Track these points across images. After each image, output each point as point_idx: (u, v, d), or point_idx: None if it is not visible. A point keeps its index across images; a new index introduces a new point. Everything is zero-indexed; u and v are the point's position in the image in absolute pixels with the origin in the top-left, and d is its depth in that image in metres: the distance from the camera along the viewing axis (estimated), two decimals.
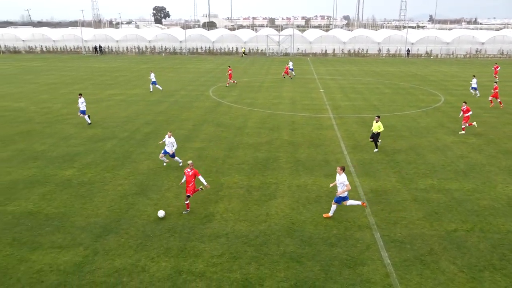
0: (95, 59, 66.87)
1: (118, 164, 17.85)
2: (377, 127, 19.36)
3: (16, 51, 78.86)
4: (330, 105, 30.81)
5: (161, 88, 36.58)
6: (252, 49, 77.08)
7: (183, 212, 13.42)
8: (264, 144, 20.75)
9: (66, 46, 78.91)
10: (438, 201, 14.43)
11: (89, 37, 78.91)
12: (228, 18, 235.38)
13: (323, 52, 75.83)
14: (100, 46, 76.12)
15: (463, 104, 23.24)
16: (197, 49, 77.41)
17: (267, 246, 11.55)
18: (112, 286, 9.85)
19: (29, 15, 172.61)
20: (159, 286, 9.86)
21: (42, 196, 14.67)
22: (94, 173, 16.88)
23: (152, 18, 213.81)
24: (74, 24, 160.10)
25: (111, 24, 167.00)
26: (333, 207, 13.16)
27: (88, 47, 78.29)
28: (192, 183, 13.39)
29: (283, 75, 45.11)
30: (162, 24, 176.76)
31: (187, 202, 13.51)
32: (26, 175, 16.65)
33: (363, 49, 75.26)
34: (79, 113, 24.84)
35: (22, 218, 13.03)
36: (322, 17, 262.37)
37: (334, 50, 75.75)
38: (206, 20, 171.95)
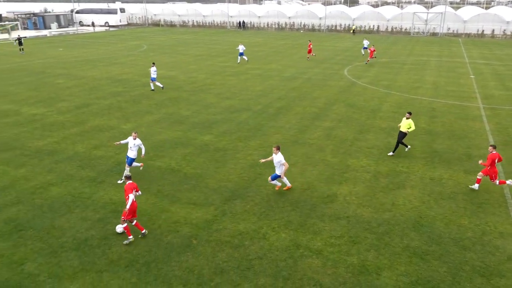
0: (238, 34, 70.59)
1: (250, 135, 18.85)
2: (406, 125, 15.93)
3: (172, 25, 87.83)
4: (480, 93, 27.37)
5: (246, 59, 38.46)
6: (395, 28, 72.24)
7: (124, 242, 10.56)
8: (397, 130, 19.58)
9: (213, 21, 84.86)
10: None
11: (234, 12, 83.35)
12: None
13: (479, 32, 67.07)
14: (243, 22, 79.95)
15: None
16: (336, 26, 75.73)
17: (389, 236, 11.06)
18: (235, 247, 10.63)
19: None
20: (277, 255, 10.29)
21: (183, 156, 16.39)
22: (228, 141, 18.15)
23: None
24: (222, 0, 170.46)
25: (255, 0, 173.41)
26: (276, 182, 13.47)
27: (233, 22, 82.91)
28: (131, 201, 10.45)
29: (368, 60, 38.94)
30: (303, 1, 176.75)
31: (124, 225, 10.67)
32: (172, 136, 18.76)
33: None
34: (150, 80, 27.28)
35: (166, 174, 14.80)
36: None
37: (493, 30, 66.39)
38: None
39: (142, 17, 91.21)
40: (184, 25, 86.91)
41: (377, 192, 13.47)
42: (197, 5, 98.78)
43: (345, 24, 75.28)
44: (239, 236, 11.09)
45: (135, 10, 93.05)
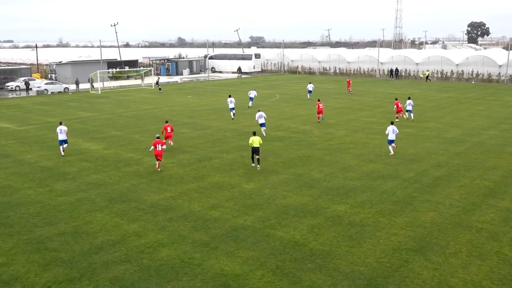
0: (388, 84, 70.19)
1: (396, 209, 17.97)
2: (257, 141, 23.24)
3: (311, 72, 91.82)
4: None
5: (250, 105, 44.69)
6: None
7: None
8: None
9: (360, 68, 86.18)
10: None
11: (386, 58, 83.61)
12: None
13: None
14: (396, 69, 79.48)
15: None
16: None
17: None
18: None
19: (329, 35, 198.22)
20: None
21: (310, 228, 16.31)
22: (367, 214, 17.56)
23: (465, 37, 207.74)
24: (372, 44, 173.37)
25: (413, 44, 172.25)
26: None
27: (383, 70, 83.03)
28: None
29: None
30: (477, 44, 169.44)
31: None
32: (299, 202, 18.94)
33: None
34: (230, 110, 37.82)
35: (288, 247, 14.83)
36: None
37: None
38: None
39: (278, 63, 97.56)
40: (324, 72, 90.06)
41: None
42: (341, 50, 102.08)
43: None
44: None
45: (271, 56, 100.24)
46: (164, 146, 23.75)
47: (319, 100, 37.93)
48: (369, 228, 16.29)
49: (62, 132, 26.95)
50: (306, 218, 17.24)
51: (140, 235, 15.85)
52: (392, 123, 26.70)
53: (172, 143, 28.54)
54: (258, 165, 23.64)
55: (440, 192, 20.07)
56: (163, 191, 20.55)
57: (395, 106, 37.52)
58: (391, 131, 26.17)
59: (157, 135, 24.01)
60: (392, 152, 26.48)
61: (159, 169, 23.36)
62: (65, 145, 27.30)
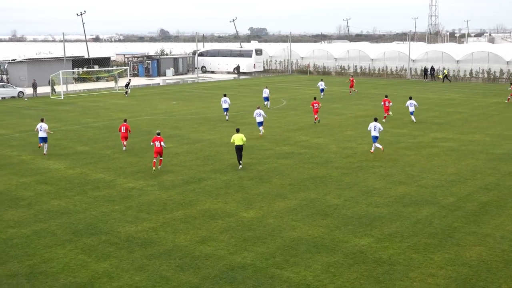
0: (421, 87, 70.43)
1: (433, 244, 17.90)
2: (239, 139, 27.44)
3: (325, 72, 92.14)
4: None
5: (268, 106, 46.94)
6: None
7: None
8: None
9: (386, 67, 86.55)
10: None
11: (419, 55, 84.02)
12: None
13: None
14: (432, 69, 79.75)
15: None
16: None
17: None
18: None
19: (347, 26, 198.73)
20: None
21: (326, 267, 16.21)
22: (397, 249, 17.47)
23: None
24: (401, 37, 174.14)
25: (452, 36, 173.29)
26: None
27: (416, 69, 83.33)
28: None
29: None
30: None
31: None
32: (311, 234, 18.87)
33: None
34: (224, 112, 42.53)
35: None
36: None
37: None
38: None
39: (284, 61, 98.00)
40: (342, 72, 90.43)
41: None
42: (363, 45, 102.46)
43: None
44: None
45: (276, 52, 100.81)
46: (163, 143, 26.81)
47: (315, 99, 42.10)
48: (400, 267, 16.18)
49: (42, 130, 31.03)
50: (321, 254, 17.13)
51: (112, 277, 15.74)
52: (375, 120, 30.74)
53: (125, 148, 32.33)
54: (240, 162, 27.71)
55: (488, 221, 19.99)
56: (141, 220, 20.48)
57: (382, 103, 42.29)
58: (373, 128, 30.08)
59: (157, 131, 27.82)
60: (372, 150, 30.49)
61: (159, 166, 27.22)
62: (45, 144, 31.44)
